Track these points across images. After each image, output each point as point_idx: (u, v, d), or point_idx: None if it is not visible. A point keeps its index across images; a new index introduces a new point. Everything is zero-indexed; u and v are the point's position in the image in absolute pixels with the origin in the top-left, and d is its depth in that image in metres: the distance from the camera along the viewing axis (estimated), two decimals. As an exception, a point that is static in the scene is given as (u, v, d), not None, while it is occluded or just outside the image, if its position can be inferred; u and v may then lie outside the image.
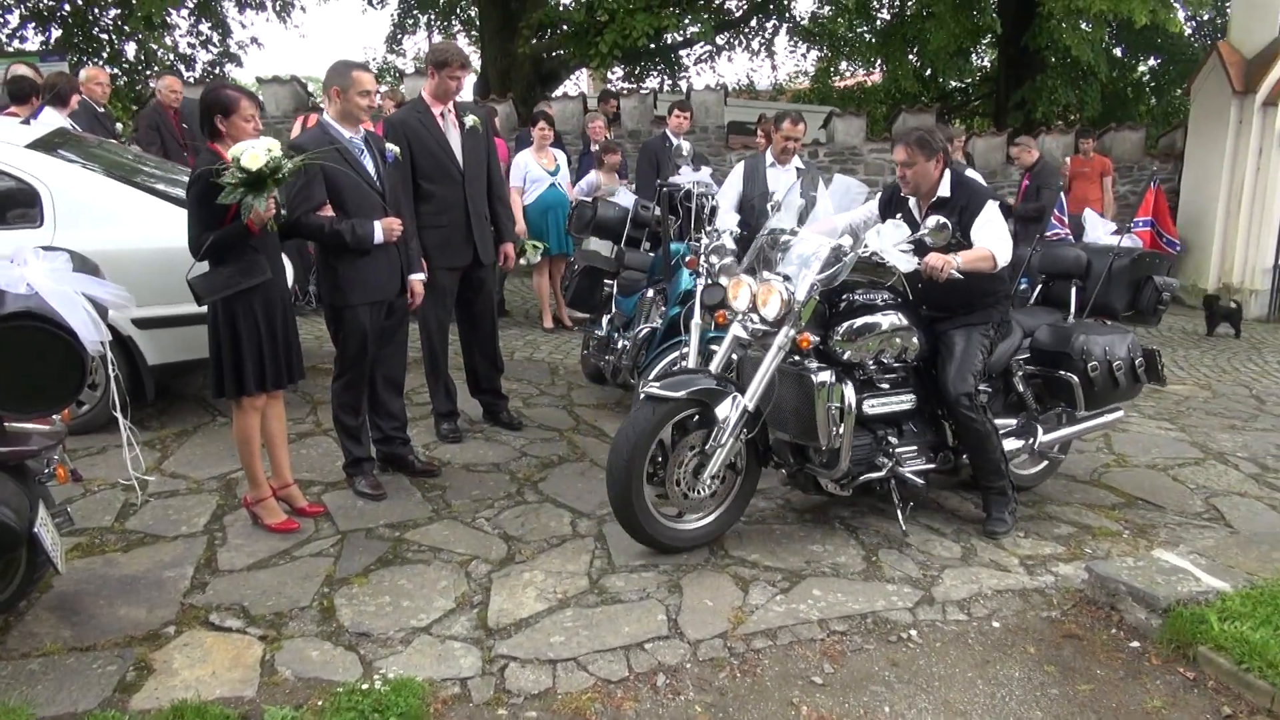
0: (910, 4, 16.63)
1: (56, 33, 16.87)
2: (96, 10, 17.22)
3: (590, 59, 14.35)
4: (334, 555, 3.85)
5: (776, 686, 3.08)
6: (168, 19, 16.75)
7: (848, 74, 21.58)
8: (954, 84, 19.76)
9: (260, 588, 3.58)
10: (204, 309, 3.78)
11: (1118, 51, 17.71)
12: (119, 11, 16.85)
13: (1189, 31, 16.78)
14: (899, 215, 4.07)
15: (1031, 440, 4.49)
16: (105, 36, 17.65)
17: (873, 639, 3.38)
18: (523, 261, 7.60)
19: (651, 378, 4.96)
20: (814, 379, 3.84)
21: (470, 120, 4.92)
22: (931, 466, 4.26)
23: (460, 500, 4.43)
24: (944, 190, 4.13)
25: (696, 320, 4.77)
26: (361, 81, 4.11)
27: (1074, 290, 4.82)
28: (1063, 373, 4.44)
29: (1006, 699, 3.07)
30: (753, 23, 18.46)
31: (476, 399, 5.49)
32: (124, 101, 16.24)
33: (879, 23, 17.68)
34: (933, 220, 3.78)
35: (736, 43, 19.21)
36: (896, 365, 4.14)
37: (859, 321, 4.01)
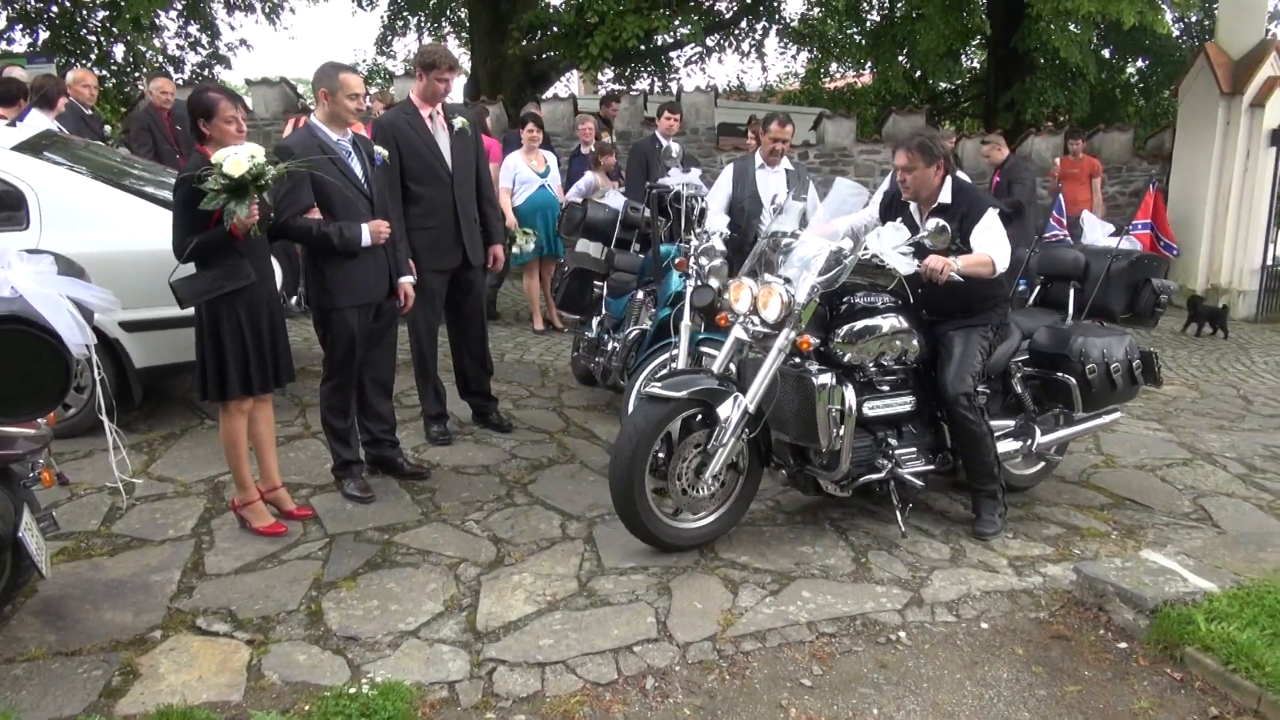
0: (900, 6, 16.66)
1: (44, 34, 16.79)
2: (84, 12, 17.14)
3: (580, 61, 14.33)
4: (322, 558, 3.84)
5: (765, 689, 3.08)
6: (156, 21, 16.68)
7: (838, 75, 21.59)
8: (944, 85, 19.77)
9: (248, 591, 3.56)
10: (191, 311, 3.77)
11: (1106, 53, 17.81)
12: (107, 13, 16.79)
13: (1177, 33, 16.87)
14: (899, 220, 4.09)
15: (1030, 441, 4.52)
16: (93, 38, 17.58)
17: (861, 641, 3.38)
18: (515, 250, 7.53)
19: (641, 379, 4.98)
20: (815, 381, 3.87)
21: (459, 122, 4.91)
22: (931, 468, 4.28)
23: (449, 503, 4.42)
24: (945, 197, 4.16)
25: (686, 322, 4.77)
26: (349, 84, 4.10)
27: (1072, 292, 4.85)
28: (1061, 374, 4.47)
29: (995, 700, 3.07)
30: (743, 24, 18.46)
31: (466, 401, 5.48)
32: (112, 103, 16.18)
33: (869, 24, 17.71)
34: (932, 223, 3.83)
35: (727, 44, 19.20)
36: (896, 367, 4.17)
37: (860, 324, 4.04)
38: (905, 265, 3.83)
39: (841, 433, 3.92)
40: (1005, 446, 4.41)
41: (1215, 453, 5.67)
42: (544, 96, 14.20)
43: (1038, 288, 5.03)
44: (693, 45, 17.63)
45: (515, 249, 7.57)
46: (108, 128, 10.52)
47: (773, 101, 20.02)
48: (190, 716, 2.76)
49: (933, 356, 4.24)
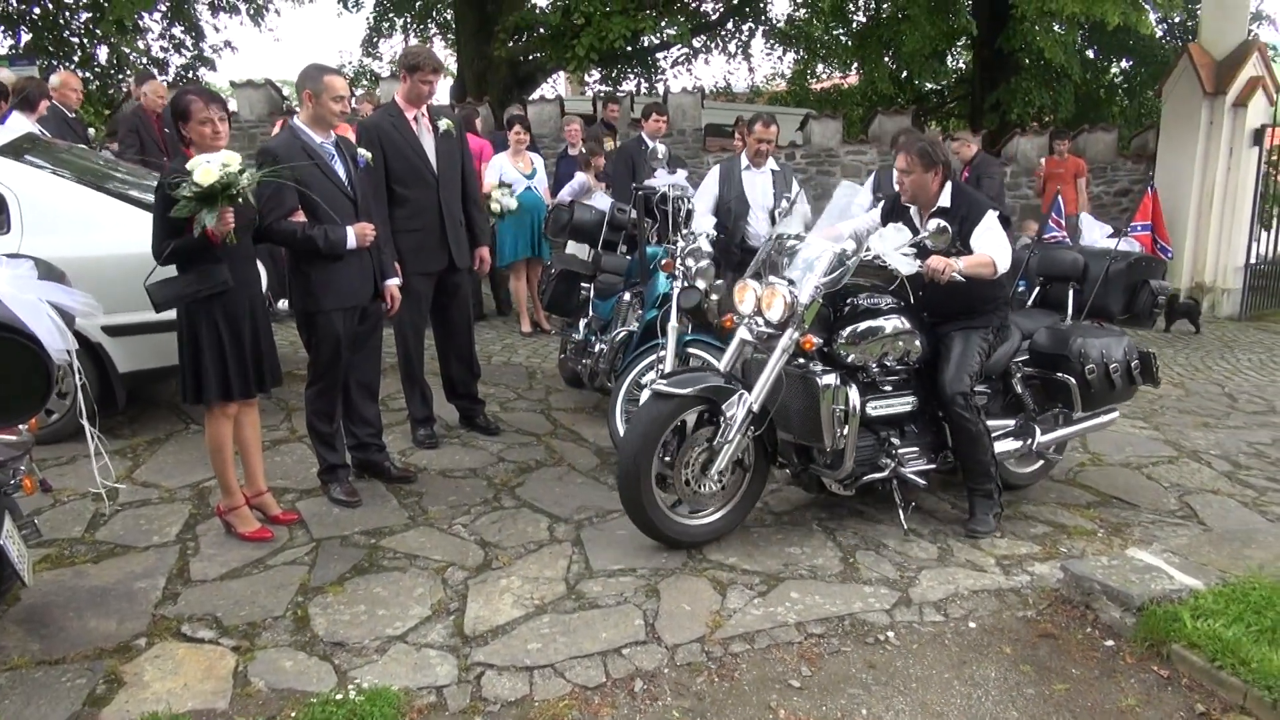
0: (886, 6, 16.70)
1: (26, 36, 16.66)
2: (67, 14, 17.02)
3: (567, 62, 14.32)
4: (308, 563, 3.81)
5: (754, 690, 3.07)
6: (140, 22, 16.59)
7: (824, 76, 21.65)
8: (930, 86, 19.85)
9: (233, 597, 3.53)
10: (174, 315, 3.74)
11: (1090, 54, 17.88)
12: (90, 15, 16.67)
13: (1160, 33, 16.95)
14: (900, 222, 4.13)
15: (1030, 440, 4.54)
16: (76, 40, 17.45)
17: (850, 641, 3.38)
18: (494, 208, 7.27)
19: (628, 381, 4.98)
20: (819, 381, 3.92)
21: (444, 124, 4.90)
22: (933, 467, 4.32)
23: (437, 506, 4.40)
24: (944, 200, 4.21)
25: (673, 323, 4.78)
26: (334, 86, 4.08)
27: (1071, 293, 4.88)
28: (1060, 375, 4.50)
29: (983, 699, 3.08)
30: (729, 25, 18.49)
31: (453, 404, 5.46)
32: (96, 106, 16.07)
33: (854, 25, 17.75)
34: (933, 224, 3.90)
35: (713, 45, 19.22)
36: (899, 368, 4.20)
37: (863, 325, 4.07)
38: (907, 266, 3.88)
39: (846, 432, 3.97)
40: (1006, 445, 4.45)
41: (1200, 450, 5.70)
42: (531, 98, 14.18)
43: (1037, 289, 5.07)
44: (679, 46, 17.64)
45: (494, 207, 7.28)
46: (91, 130, 10.45)
47: (759, 102, 20.03)
48: (175, 724, 2.74)
49: (934, 357, 4.27)
